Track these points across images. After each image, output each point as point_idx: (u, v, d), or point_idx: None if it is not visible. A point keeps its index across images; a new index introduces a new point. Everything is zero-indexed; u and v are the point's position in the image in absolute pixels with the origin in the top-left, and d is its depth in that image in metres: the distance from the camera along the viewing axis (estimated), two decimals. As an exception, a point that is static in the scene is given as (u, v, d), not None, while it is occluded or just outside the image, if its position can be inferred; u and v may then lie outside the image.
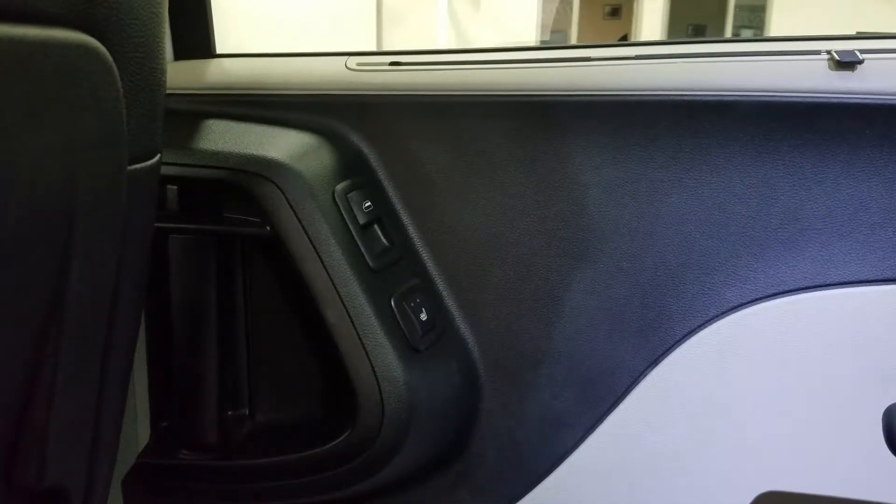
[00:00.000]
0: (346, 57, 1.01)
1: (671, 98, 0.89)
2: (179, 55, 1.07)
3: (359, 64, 0.99)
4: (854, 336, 0.88)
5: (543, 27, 9.38)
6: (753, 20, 9.17)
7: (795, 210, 0.89)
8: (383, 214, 0.96)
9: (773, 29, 8.90)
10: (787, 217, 0.89)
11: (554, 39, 9.61)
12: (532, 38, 9.34)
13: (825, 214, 0.88)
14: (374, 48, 8.66)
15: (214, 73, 1.04)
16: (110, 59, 0.55)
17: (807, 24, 8.73)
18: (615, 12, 10.50)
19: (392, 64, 0.98)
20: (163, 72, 0.65)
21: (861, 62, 0.85)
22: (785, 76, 0.86)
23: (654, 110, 0.90)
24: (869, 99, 0.85)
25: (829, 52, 0.87)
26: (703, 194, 0.91)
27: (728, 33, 9.20)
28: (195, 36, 1.07)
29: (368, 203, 0.94)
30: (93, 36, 0.53)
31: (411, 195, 0.99)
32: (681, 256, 0.93)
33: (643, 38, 9.24)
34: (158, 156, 0.66)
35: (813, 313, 0.89)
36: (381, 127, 0.98)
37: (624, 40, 9.89)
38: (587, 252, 0.95)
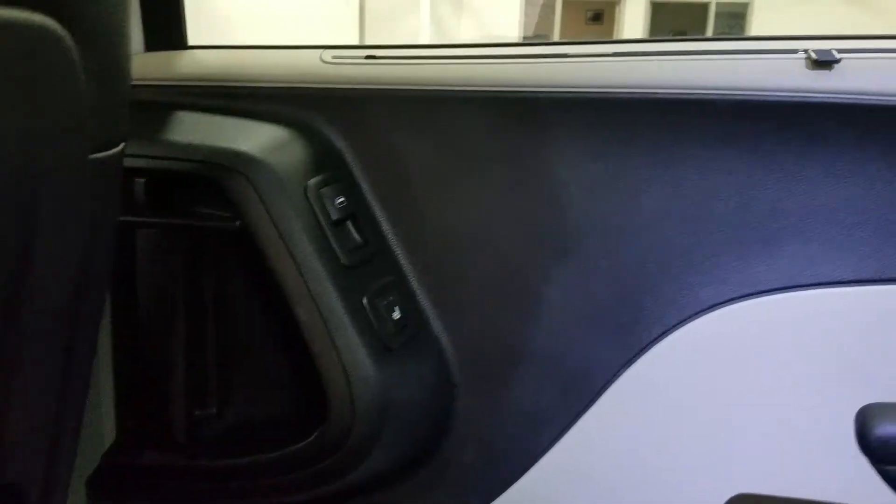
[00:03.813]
0: (322, 50, 0.99)
1: (650, 96, 0.88)
2: (151, 46, 1.05)
3: (334, 57, 0.97)
4: (829, 337, 0.88)
5: (525, 31, 9.41)
6: (733, 27, 9.27)
7: (774, 209, 0.88)
8: (357, 210, 0.94)
9: (753, 32, 8.99)
10: (765, 216, 0.89)
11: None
12: (514, 41, 9.36)
13: (804, 214, 0.88)
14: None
15: (186, 64, 1.01)
16: (72, 43, 0.53)
17: (787, 29, 8.82)
18: (597, 18, 10.56)
19: (368, 57, 0.96)
20: (127, 59, 0.63)
21: (838, 61, 0.84)
22: (762, 75, 0.86)
23: (632, 108, 0.89)
24: (846, 98, 0.84)
25: (806, 52, 0.86)
26: (681, 192, 0.90)
27: (708, 40, 9.28)
28: (167, 27, 1.05)
29: (342, 199, 0.92)
30: (54, 18, 0.51)
31: (386, 191, 0.97)
32: (659, 254, 0.92)
33: (625, 44, 9.29)
34: (123, 144, 0.64)
35: (789, 314, 0.89)
36: (355, 121, 0.96)
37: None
38: (565, 249, 0.94)
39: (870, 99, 0.84)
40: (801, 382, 0.89)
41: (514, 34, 9.36)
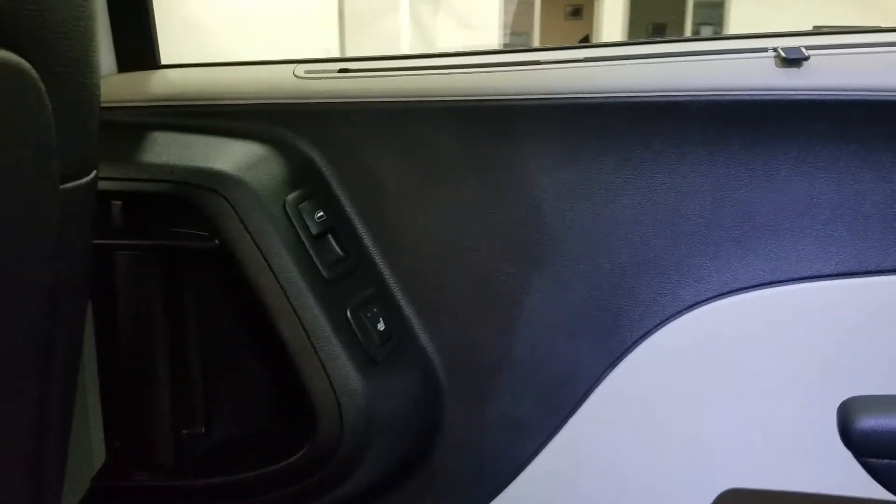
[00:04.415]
0: (295, 65, 0.99)
1: (620, 100, 0.89)
2: (123, 67, 1.05)
3: (307, 71, 0.97)
4: (809, 332, 0.89)
5: (505, 29, 9.42)
6: (713, 17, 9.30)
7: (748, 208, 0.89)
8: (337, 224, 0.95)
9: (732, 24, 9.03)
10: (740, 215, 0.89)
11: (516, 41, 9.65)
12: (495, 40, 9.37)
13: (778, 212, 0.89)
14: (337, 51, 8.62)
15: (159, 84, 1.01)
16: (36, 75, 0.53)
17: (765, 18, 8.88)
18: (576, 13, 10.57)
19: (341, 71, 0.96)
20: (96, 86, 0.63)
21: (807, 59, 0.85)
22: (732, 75, 0.87)
23: (603, 112, 0.90)
24: (816, 95, 0.85)
25: (775, 50, 0.87)
26: (655, 195, 0.91)
27: (688, 31, 9.32)
28: (139, 47, 1.04)
29: (321, 213, 0.92)
30: (15, 52, 0.51)
31: (365, 203, 0.97)
32: (636, 257, 0.93)
33: (605, 38, 9.32)
34: (94, 172, 0.64)
35: (768, 310, 0.90)
36: (331, 135, 0.96)
37: (586, 41, 9.96)
38: (544, 255, 0.95)
39: (839, 95, 0.85)
40: (783, 378, 0.90)
41: (495, 31, 9.37)
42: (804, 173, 0.88)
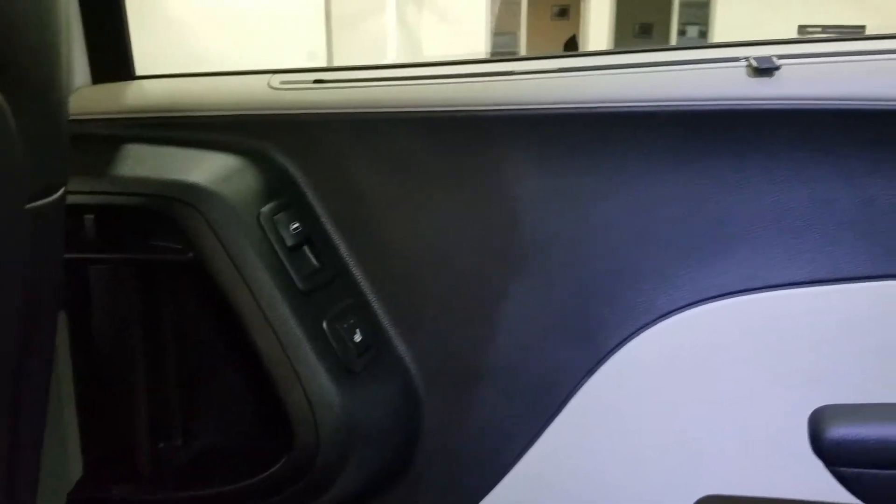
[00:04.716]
0: (270, 75, 0.99)
1: (594, 110, 0.89)
2: (98, 78, 1.04)
3: (282, 82, 0.97)
4: (782, 339, 0.90)
5: (492, 29, 9.43)
6: (699, 16, 9.35)
7: (721, 216, 0.90)
8: (313, 234, 0.95)
9: (718, 23, 9.07)
10: (713, 223, 0.90)
11: (503, 41, 9.66)
12: (481, 40, 9.38)
13: (750, 219, 0.89)
14: (324, 51, 8.61)
15: (133, 95, 1.01)
16: (1, 95, 0.53)
17: (750, 18, 8.93)
18: (563, 13, 10.60)
19: (316, 82, 0.96)
20: (63, 103, 0.62)
21: (778, 68, 0.86)
22: (704, 85, 0.87)
23: (576, 123, 0.90)
24: (787, 104, 0.86)
25: (747, 59, 0.87)
26: (630, 204, 0.91)
27: (674, 30, 9.36)
28: (114, 58, 1.04)
29: (296, 224, 0.92)
30: None
31: (341, 213, 0.97)
32: (612, 265, 0.93)
33: (592, 38, 9.34)
34: (62, 189, 0.64)
35: (742, 317, 0.90)
36: (307, 146, 0.96)
37: (572, 41, 9.98)
38: (521, 262, 0.95)
39: (809, 104, 0.85)
40: (758, 385, 0.91)
41: (482, 31, 9.38)
42: (776, 181, 0.88)
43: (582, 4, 9.52)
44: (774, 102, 0.86)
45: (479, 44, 9.41)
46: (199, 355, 1.00)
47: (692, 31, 9.53)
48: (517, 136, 0.92)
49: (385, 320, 0.99)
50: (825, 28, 9.07)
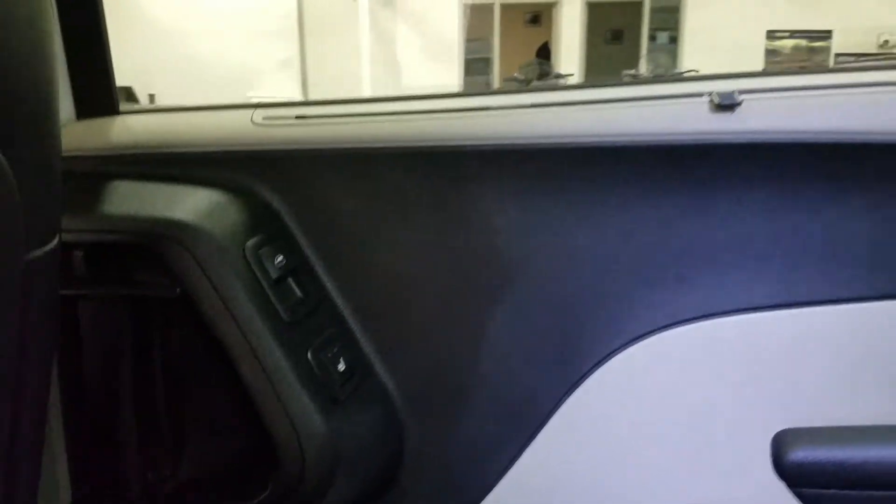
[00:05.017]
0: (253, 110, 1.02)
1: (565, 145, 0.93)
2: (82, 113, 1.06)
3: (265, 118, 1.00)
4: (748, 361, 0.94)
5: (466, 35, 9.48)
6: (669, 22, 9.47)
7: (689, 244, 0.94)
8: (297, 266, 0.97)
9: (688, 29, 9.20)
10: (680, 251, 0.94)
11: (476, 47, 9.71)
12: (455, 46, 9.43)
13: (717, 247, 0.94)
14: (297, 55, 8.59)
15: (118, 131, 1.03)
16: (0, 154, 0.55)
17: (719, 23, 9.06)
18: (535, 20, 10.68)
19: (298, 118, 0.99)
20: (57, 155, 0.65)
21: (739, 104, 0.90)
22: (669, 120, 0.91)
23: (550, 156, 0.94)
24: (748, 138, 0.90)
25: (710, 95, 0.92)
26: (602, 232, 0.95)
27: (644, 36, 9.47)
28: (98, 93, 1.06)
29: (280, 256, 0.95)
30: None
31: (324, 245, 1.00)
32: (585, 291, 0.97)
33: (563, 44, 9.42)
34: (58, 237, 0.66)
35: (709, 340, 0.94)
36: (289, 180, 0.99)
37: (544, 47, 10.06)
38: (498, 289, 0.98)
39: (770, 137, 0.90)
40: (724, 406, 0.95)
41: (455, 38, 9.42)
42: (740, 210, 0.93)
43: (554, 11, 9.60)
44: (736, 136, 0.90)
45: (452, 49, 9.46)
46: (186, 386, 1.02)
47: (662, 37, 9.66)
48: (494, 170, 0.95)
49: (367, 347, 1.02)
50: (793, 33, 9.25)
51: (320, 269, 1.00)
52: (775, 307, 0.94)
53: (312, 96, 9.35)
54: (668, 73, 7.21)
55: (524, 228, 0.96)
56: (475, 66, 9.81)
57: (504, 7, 9.54)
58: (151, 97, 8.34)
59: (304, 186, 0.98)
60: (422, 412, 1.02)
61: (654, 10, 9.42)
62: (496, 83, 9.55)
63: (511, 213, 0.96)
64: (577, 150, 0.93)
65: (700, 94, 0.92)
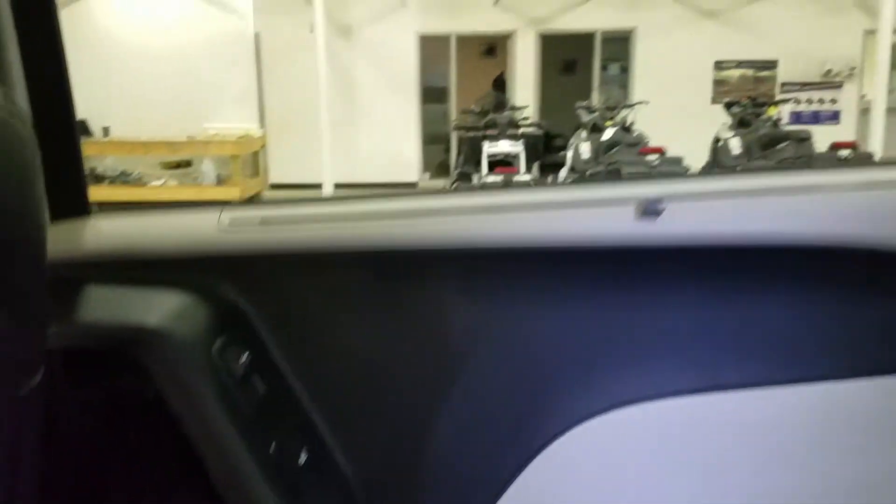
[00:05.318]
0: (220, 212, 1.08)
1: (508, 247, 1.02)
2: (55, 216, 1.11)
3: (231, 222, 1.06)
4: (675, 443, 1.04)
5: (422, 68, 9.63)
6: (620, 53, 9.75)
7: (618, 336, 1.04)
8: (261, 362, 1.04)
9: (639, 59, 9.48)
10: (615, 343, 1.04)
11: (433, 77, 9.87)
12: (412, 76, 9.57)
13: (643, 339, 1.04)
14: (254, 86, 8.61)
15: (91, 235, 1.08)
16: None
17: (667, 54, 9.37)
18: (491, 51, 10.90)
19: (262, 222, 1.06)
20: (48, 303, 0.71)
21: (662, 211, 1.00)
22: (601, 226, 1.01)
23: (496, 257, 1.03)
24: (671, 242, 1.00)
25: (636, 201, 1.02)
26: (543, 327, 1.05)
27: (597, 66, 9.72)
28: (70, 195, 1.10)
29: (246, 354, 1.02)
30: None
31: (287, 341, 1.07)
32: (530, 378, 1.06)
33: (519, 75, 9.61)
34: (42, 369, 0.72)
35: (639, 424, 1.04)
36: (254, 281, 1.06)
37: (500, 78, 10.26)
38: (450, 379, 1.07)
39: (691, 241, 1.00)
40: (651, 486, 1.04)
41: (412, 69, 9.56)
42: (660, 311, 1.03)
43: (508, 43, 9.80)
44: (660, 241, 1.00)
45: (409, 79, 9.59)
46: (157, 483, 1.08)
47: (614, 68, 9.94)
48: (444, 269, 1.04)
49: (328, 437, 1.09)
50: (740, 63, 9.59)
51: (283, 364, 1.08)
52: (697, 392, 1.04)
53: (270, 126, 9.38)
54: (619, 105, 7.42)
55: (472, 323, 1.05)
56: (433, 95, 9.97)
57: (460, 39, 9.72)
58: (106, 130, 8.30)
59: (268, 287, 1.06)
60: (380, 496, 1.10)
61: (605, 42, 9.69)
62: (453, 111, 9.69)
63: (461, 309, 1.05)
64: (519, 252, 1.02)
65: (626, 200, 1.02)
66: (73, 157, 1.11)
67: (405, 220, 1.05)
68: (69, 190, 1.11)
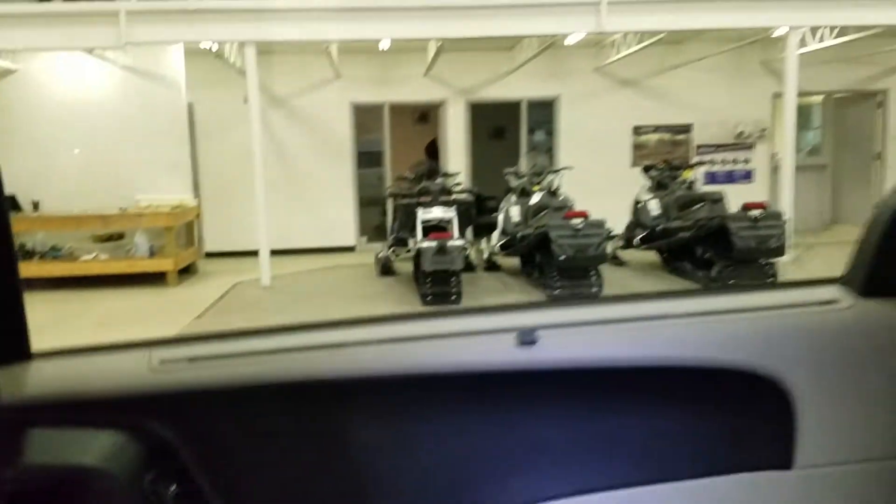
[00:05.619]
0: (150, 350, 1.20)
1: (411, 375, 1.18)
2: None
3: (161, 361, 1.19)
4: None
5: (357, 135, 9.88)
6: (545, 119, 10.19)
7: (507, 451, 1.20)
8: (190, 492, 1.16)
9: (563, 125, 9.93)
10: (500, 455, 1.20)
11: (368, 143, 10.12)
12: (347, 142, 9.79)
13: (527, 449, 1.20)
14: (188, 157, 8.64)
15: (31, 378, 1.18)
16: None
17: (587, 120, 9.85)
18: (424, 118, 11.26)
19: (190, 360, 1.19)
20: None
21: (537, 340, 1.18)
22: (485, 353, 1.18)
23: (400, 385, 1.19)
24: (548, 367, 1.18)
25: (514, 330, 1.19)
26: (445, 444, 1.20)
27: (524, 132, 10.13)
28: (11, 339, 1.19)
29: (174, 486, 1.13)
30: None
31: (213, 471, 1.19)
32: (440, 491, 1.21)
33: (451, 140, 9.95)
34: None
35: None
36: (184, 417, 1.18)
37: (433, 143, 10.59)
38: (368, 493, 1.21)
39: (564, 365, 1.18)
40: None
41: (347, 135, 9.78)
42: (542, 422, 1.20)
43: (440, 110, 10.14)
44: (537, 366, 1.18)
45: (344, 145, 9.81)
46: None
47: (540, 133, 10.37)
48: (357, 396, 1.20)
49: None
50: (657, 127, 10.14)
51: (211, 493, 1.19)
52: (569, 495, 1.20)
53: (205, 195, 9.41)
54: (545, 171, 7.76)
55: (383, 445, 1.20)
56: (368, 159, 10.20)
57: (393, 107, 10.01)
58: (36, 204, 8.21)
59: (196, 422, 1.18)
60: None
61: (531, 108, 10.11)
62: (388, 176, 9.91)
63: (374, 432, 1.20)
64: (421, 378, 1.18)
65: (506, 330, 1.19)
66: (14, 302, 1.20)
67: (321, 351, 1.20)
68: (11, 335, 1.21)
